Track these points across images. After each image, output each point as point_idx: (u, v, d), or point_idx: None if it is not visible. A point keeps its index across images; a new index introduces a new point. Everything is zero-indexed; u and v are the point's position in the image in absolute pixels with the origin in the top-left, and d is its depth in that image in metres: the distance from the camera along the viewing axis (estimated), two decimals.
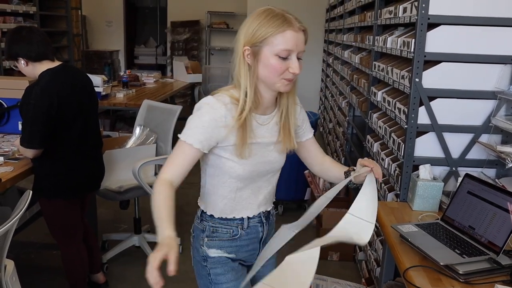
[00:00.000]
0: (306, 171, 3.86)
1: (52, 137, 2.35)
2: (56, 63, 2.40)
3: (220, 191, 1.58)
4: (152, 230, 3.64)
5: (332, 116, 5.67)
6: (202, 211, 1.64)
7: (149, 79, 6.06)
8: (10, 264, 1.70)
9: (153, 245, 3.28)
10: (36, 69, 2.34)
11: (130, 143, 3.26)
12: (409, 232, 1.80)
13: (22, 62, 2.33)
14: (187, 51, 9.18)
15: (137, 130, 3.29)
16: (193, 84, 6.56)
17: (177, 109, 3.19)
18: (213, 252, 1.62)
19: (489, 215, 1.71)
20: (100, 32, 9.49)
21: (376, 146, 2.84)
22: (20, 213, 1.58)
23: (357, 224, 1.48)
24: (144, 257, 3.21)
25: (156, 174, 3.24)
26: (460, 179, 2.15)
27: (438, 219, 1.95)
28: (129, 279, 3.07)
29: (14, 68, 2.42)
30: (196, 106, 1.49)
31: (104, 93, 4.59)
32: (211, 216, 1.62)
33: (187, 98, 8.87)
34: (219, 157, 1.52)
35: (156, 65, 10.14)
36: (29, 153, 2.33)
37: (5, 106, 3.08)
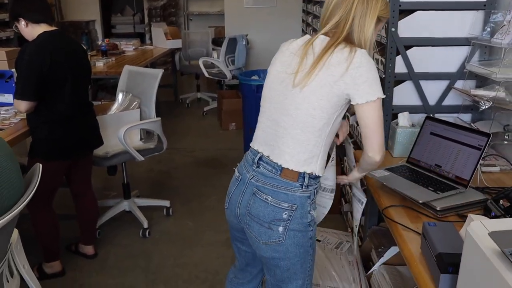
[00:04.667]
0: None
1: (45, 98, 2.46)
2: (53, 28, 2.55)
3: (327, 148, 1.58)
4: (142, 194, 3.70)
5: None
6: (310, 175, 1.55)
7: (128, 47, 5.99)
8: (14, 233, 1.74)
9: (143, 209, 3.35)
10: (34, 30, 2.48)
11: (114, 109, 3.27)
12: (382, 176, 1.88)
13: (23, 23, 2.48)
14: (165, 18, 9.04)
15: (120, 96, 3.30)
16: (173, 50, 6.51)
17: (158, 73, 3.19)
18: (314, 213, 1.61)
19: (454, 152, 1.81)
20: (75, 2, 9.26)
21: None
22: (36, 186, 1.61)
23: None
24: (134, 221, 3.28)
25: (141, 138, 3.27)
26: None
27: (403, 162, 2.04)
28: (122, 243, 3.14)
29: (15, 30, 2.58)
30: (364, 60, 1.46)
31: None
32: (317, 177, 1.58)
33: (168, 65, 8.80)
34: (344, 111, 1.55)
35: (134, 33, 9.97)
36: (22, 105, 2.43)
37: None
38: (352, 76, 1.44)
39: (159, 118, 3.12)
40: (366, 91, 1.45)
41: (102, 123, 2.91)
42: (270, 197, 1.55)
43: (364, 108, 1.46)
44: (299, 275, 1.63)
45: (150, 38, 7.45)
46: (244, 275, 1.91)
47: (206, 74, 6.12)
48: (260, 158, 1.60)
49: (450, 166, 1.81)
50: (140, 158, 3.02)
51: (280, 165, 1.54)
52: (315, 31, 5.66)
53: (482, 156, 1.97)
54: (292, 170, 1.53)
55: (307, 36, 1.62)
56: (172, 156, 4.65)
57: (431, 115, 2.03)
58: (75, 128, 2.62)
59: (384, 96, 1.48)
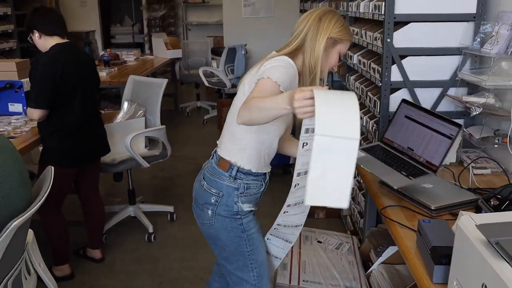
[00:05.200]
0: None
1: (56, 108, 2.57)
2: (65, 40, 2.67)
3: (262, 145, 1.74)
4: (146, 201, 3.80)
5: None
6: (238, 168, 1.75)
7: (130, 56, 6.11)
8: (30, 234, 1.83)
9: (148, 214, 3.45)
10: (47, 42, 2.61)
11: (119, 117, 3.38)
12: (360, 157, 1.90)
13: (37, 34, 2.61)
14: (164, 28, 9.19)
15: (125, 105, 3.41)
16: (173, 59, 6.64)
17: (163, 82, 3.31)
18: (246, 207, 1.81)
19: (426, 137, 1.94)
20: (75, 13, 9.39)
21: None
22: (49, 189, 1.69)
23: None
24: (140, 226, 3.38)
25: (146, 146, 3.38)
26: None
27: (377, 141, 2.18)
28: (128, 247, 3.24)
29: (30, 41, 2.70)
30: (277, 59, 1.65)
31: None
32: (248, 172, 1.76)
33: (168, 75, 8.92)
34: None
35: (133, 43, 10.10)
36: (36, 114, 2.54)
37: None
38: (263, 66, 1.64)
39: (164, 126, 3.23)
40: (263, 71, 1.60)
41: (109, 131, 3.02)
42: (205, 182, 1.82)
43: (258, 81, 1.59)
44: (238, 257, 1.84)
45: (150, 48, 7.59)
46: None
47: (206, 83, 6.24)
48: (215, 151, 1.86)
49: (422, 150, 1.94)
50: (145, 164, 3.12)
51: (219, 154, 1.80)
52: None
53: (474, 159, 2.09)
54: (224, 159, 1.77)
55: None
56: (175, 163, 4.76)
57: (406, 99, 2.16)
58: (84, 138, 2.73)
59: (276, 82, 1.55)
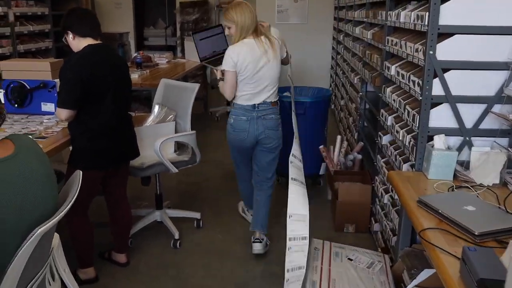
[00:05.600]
0: (321, 146, 3.94)
1: (86, 108, 2.57)
2: (98, 42, 2.67)
3: None
4: (173, 205, 3.76)
5: (344, 93, 5.72)
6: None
7: (162, 59, 6.13)
8: (55, 238, 1.80)
9: (174, 220, 3.41)
10: (80, 43, 2.61)
11: (150, 121, 3.36)
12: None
13: (70, 35, 2.62)
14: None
15: (156, 109, 3.39)
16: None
17: (195, 87, 3.28)
18: None
19: None
20: (109, 14, 9.51)
21: (390, 119, 2.91)
22: (76, 194, 1.66)
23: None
24: (166, 231, 3.34)
25: (175, 151, 3.34)
26: (473, 149, 2.24)
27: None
28: (153, 252, 3.20)
29: (64, 42, 2.71)
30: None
31: None
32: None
33: (198, 78, 8.93)
34: None
35: (166, 46, 10.17)
36: (63, 114, 2.54)
37: (28, 87, 3.18)
38: (282, 42, 3.16)
39: (194, 132, 3.19)
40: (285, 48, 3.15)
41: (138, 134, 3.00)
42: (273, 115, 3.10)
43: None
44: None
45: (182, 51, 7.59)
46: (250, 173, 3.35)
47: None
48: (257, 106, 3.03)
49: None
50: (174, 170, 3.08)
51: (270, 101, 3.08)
52: (346, 49, 5.70)
53: None
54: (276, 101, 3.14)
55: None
56: (203, 168, 4.72)
57: None
58: (114, 139, 2.70)
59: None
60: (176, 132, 3.28)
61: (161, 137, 3.02)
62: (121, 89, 2.72)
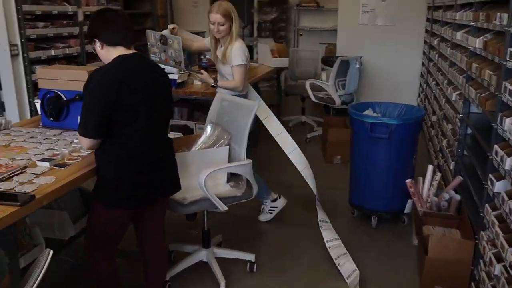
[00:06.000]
0: (409, 180, 3.20)
1: (113, 131, 2.08)
2: (131, 52, 2.16)
3: None
4: (226, 240, 3.21)
5: (437, 108, 4.87)
6: None
7: None
8: None
9: (224, 261, 2.85)
10: (110, 53, 2.15)
11: (200, 143, 2.82)
12: None
13: (98, 44, 2.17)
14: (274, 32, 8.66)
15: (208, 129, 2.84)
16: (279, 68, 6.04)
17: (254, 106, 2.68)
18: None
19: None
20: (186, 13, 9.21)
21: (509, 162, 2.15)
22: (38, 279, 1.19)
23: None
24: (211, 275, 2.79)
25: (228, 181, 2.78)
26: None
27: None
28: None
29: (93, 51, 2.26)
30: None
31: (179, 81, 4.22)
32: None
33: (273, 82, 8.38)
34: None
35: None
36: (84, 142, 2.10)
37: (65, 99, 2.76)
38: None
39: (250, 161, 2.60)
40: None
41: (182, 161, 2.47)
42: None
43: None
44: None
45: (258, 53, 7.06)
46: None
47: (313, 98, 5.56)
48: None
49: None
50: (223, 208, 2.52)
51: None
52: (442, 56, 4.86)
53: None
54: None
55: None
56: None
57: None
58: (148, 169, 2.18)
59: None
60: (230, 159, 2.72)
61: (209, 166, 2.46)
62: (158, 107, 2.19)
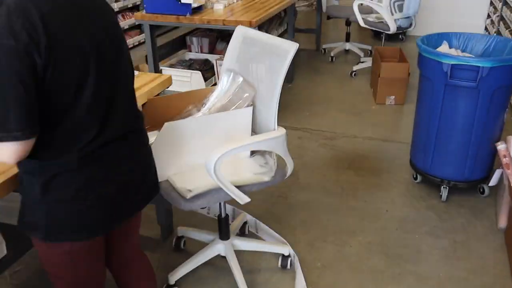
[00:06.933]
0: (502, 146, 2.34)
1: (49, 121, 1.18)
2: None
3: None
4: (251, 230, 2.48)
5: None
6: None
7: None
8: None
9: (239, 253, 2.14)
10: None
11: (213, 99, 2.01)
12: None
13: None
14: None
15: (224, 80, 2.02)
16: None
17: (291, 47, 1.80)
18: None
19: None
20: None
21: None
22: None
23: None
24: (230, 274, 2.09)
25: (252, 155, 1.99)
26: None
27: None
28: None
29: None
30: None
31: (195, 5, 3.33)
32: None
33: (312, 1, 7.33)
34: None
35: None
36: (6, 151, 1.14)
37: None
38: None
39: (283, 132, 1.79)
40: None
41: (185, 132, 1.69)
42: None
43: None
44: None
45: None
46: None
47: (362, 23, 4.56)
48: None
49: None
50: (244, 199, 1.75)
51: None
52: None
53: None
54: None
55: None
56: (302, 142, 3.34)
57: None
58: (108, 174, 1.32)
59: None
60: (254, 125, 1.91)
61: (223, 138, 1.67)
62: (111, 65, 1.28)
